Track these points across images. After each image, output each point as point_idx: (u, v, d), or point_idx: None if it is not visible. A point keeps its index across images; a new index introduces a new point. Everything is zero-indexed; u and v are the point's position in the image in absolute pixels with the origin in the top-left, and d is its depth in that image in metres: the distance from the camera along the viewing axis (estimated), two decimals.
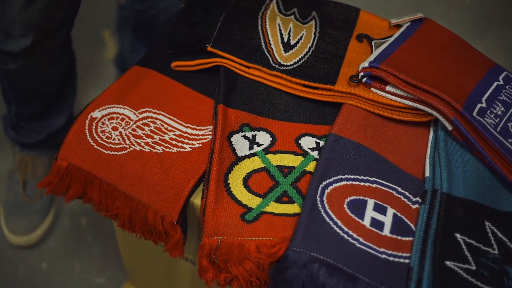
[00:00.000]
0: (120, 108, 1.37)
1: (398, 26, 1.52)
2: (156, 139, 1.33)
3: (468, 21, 2.97)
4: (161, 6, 2.12)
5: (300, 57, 1.44)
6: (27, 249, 2.12)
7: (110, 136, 1.33)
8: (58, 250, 2.13)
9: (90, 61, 2.58)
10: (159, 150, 1.31)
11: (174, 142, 1.33)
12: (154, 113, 1.37)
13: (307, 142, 1.34)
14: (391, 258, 1.17)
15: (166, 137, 1.33)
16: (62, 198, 1.37)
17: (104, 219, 1.50)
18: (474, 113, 1.30)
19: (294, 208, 1.24)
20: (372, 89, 1.36)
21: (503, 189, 1.29)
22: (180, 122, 1.36)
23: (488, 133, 1.29)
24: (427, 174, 1.28)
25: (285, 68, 1.42)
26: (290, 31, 1.49)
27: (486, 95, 1.36)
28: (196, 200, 1.28)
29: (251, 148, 1.32)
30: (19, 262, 2.09)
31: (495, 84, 1.40)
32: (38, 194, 2.09)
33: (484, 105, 1.34)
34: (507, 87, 1.40)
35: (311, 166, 1.30)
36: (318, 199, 1.20)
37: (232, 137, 1.32)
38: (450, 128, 1.30)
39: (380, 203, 1.23)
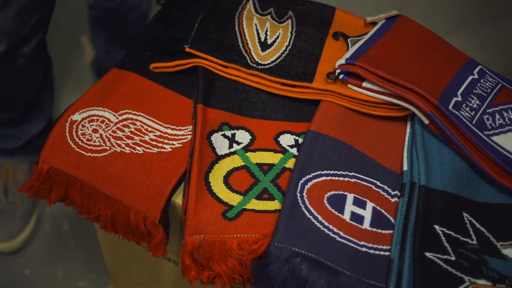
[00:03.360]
0: (100, 110, 1.38)
1: (374, 23, 1.54)
2: (136, 140, 1.34)
3: (443, 17, 2.99)
4: (131, 3, 2.12)
5: (277, 56, 1.46)
6: (10, 255, 2.11)
7: (90, 138, 1.34)
8: (41, 255, 2.12)
9: (67, 66, 2.58)
10: (139, 151, 1.32)
11: (154, 143, 1.33)
12: (134, 114, 1.38)
13: (286, 140, 1.36)
14: (372, 251, 1.18)
15: (146, 138, 1.34)
16: (44, 203, 1.37)
17: (86, 222, 1.50)
18: (450, 107, 1.32)
19: (274, 205, 1.25)
20: (349, 85, 1.37)
21: (480, 181, 1.30)
22: (160, 123, 1.37)
23: (464, 126, 1.30)
24: (405, 167, 1.30)
25: (262, 67, 1.43)
26: (267, 30, 1.51)
27: (461, 89, 1.38)
28: (178, 199, 1.29)
29: (230, 146, 1.33)
30: (1, 268, 2.09)
31: (470, 78, 1.42)
32: (19, 200, 2.08)
33: (459, 98, 1.35)
34: (481, 80, 1.42)
35: (290, 163, 1.31)
36: (298, 195, 1.21)
37: (211, 136, 1.33)
38: (426, 122, 1.32)
39: (359, 197, 1.25)
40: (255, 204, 1.25)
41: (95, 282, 2.07)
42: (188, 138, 1.35)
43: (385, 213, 1.24)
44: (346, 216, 1.21)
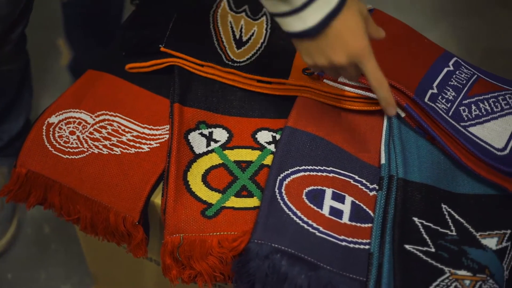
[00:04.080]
0: (77, 112, 1.38)
1: None
2: (113, 141, 1.33)
3: (420, 11, 3.00)
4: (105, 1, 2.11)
5: (252, 53, 1.46)
6: None
7: (68, 140, 1.33)
8: (23, 260, 2.11)
9: (44, 68, 2.57)
10: (117, 151, 1.32)
11: (132, 143, 1.33)
12: (111, 115, 1.37)
13: (264, 136, 1.36)
14: (352, 245, 1.19)
15: (124, 139, 1.34)
16: (24, 207, 1.36)
17: (67, 225, 1.50)
18: (426, 99, 1.33)
19: (253, 202, 1.25)
20: (325, 80, 1.38)
21: (457, 172, 1.31)
22: (137, 123, 1.37)
23: (440, 118, 1.31)
24: (383, 161, 1.30)
25: (238, 64, 1.43)
26: (241, 28, 1.51)
27: (437, 81, 1.39)
28: (157, 199, 1.29)
29: (208, 145, 1.33)
30: None
31: (445, 70, 1.42)
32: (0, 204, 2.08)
33: (435, 91, 1.36)
34: (457, 72, 1.43)
35: (268, 160, 1.31)
36: (277, 191, 1.22)
37: (189, 135, 1.33)
38: (403, 114, 1.33)
39: (338, 192, 1.25)
40: (234, 202, 1.25)
41: (77, 285, 2.07)
42: (165, 137, 1.34)
43: (364, 207, 1.25)
44: (325, 211, 1.21)
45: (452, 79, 1.40)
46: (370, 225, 1.22)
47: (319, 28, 1.09)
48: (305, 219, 1.19)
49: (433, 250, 1.18)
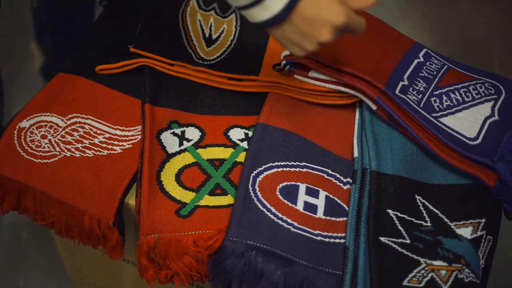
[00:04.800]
0: (48, 116, 1.37)
1: None
2: (86, 143, 1.33)
3: (392, 3, 3.00)
4: (76, 5, 2.10)
5: (222, 50, 1.46)
6: None
7: (39, 144, 1.33)
8: (1, 265, 2.10)
9: (16, 73, 2.56)
10: (89, 154, 1.31)
11: (104, 145, 1.33)
12: (82, 118, 1.37)
13: (236, 134, 1.36)
14: (327, 239, 1.19)
15: (96, 141, 1.33)
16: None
17: (45, 229, 1.49)
18: (397, 91, 1.33)
19: (227, 200, 1.25)
20: (295, 76, 1.38)
21: (430, 163, 1.31)
22: (108, 124, 1.36)
23: (412, 109, 1.31)
24: (356, 154, 1.31)
25: (208, 62, 1.43)
26: (211, 26, 1.51)
27: (407, 73, 1.39)
28: (131, 200, 1.28)
29: (181, 144, 1.33)
30: None
31: (415, 61, 1.43)
32: None
33: (406, 82, 1.36)
34: (427, 63, 1.43)
35: (241, 157, 1.31)
36: (251, 188, 1.22)
37: (161, 135, 1.33)
38: (374, 107, 1.33)
39: (311, 186, 1.25)
40: (208, 200, 1.25)
41: None
42: (137, 138, 1.34)
43: (338, 201, 1.25)
44: (300, 206, 1.22)
45: (422, 71, 1.41)
46: (344, 219, 1.23)
47: (287, 11, 1.07)
48: (280, 215, 1.19)
49: (408, 241, 1.19)
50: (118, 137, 1.34)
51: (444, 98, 1.37)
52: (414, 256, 1.17)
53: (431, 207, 1.25)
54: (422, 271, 1.16)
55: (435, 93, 1.37)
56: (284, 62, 1.38)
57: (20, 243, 2.16)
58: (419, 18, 2.95)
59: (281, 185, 1.24)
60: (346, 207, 1.24)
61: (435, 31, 2.90)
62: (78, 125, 1.36)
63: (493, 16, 3.01)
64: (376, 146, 1.30)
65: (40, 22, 2.22)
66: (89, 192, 1.27)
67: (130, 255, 1.45)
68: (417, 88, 1.36)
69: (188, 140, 1.33)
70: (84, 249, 1.39)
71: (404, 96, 1.33)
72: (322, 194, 1.25)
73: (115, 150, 1.32)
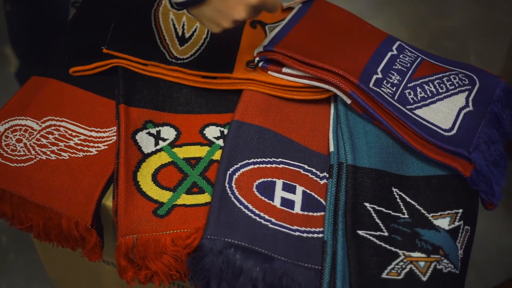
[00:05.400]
0: (22, 119, 1.36)
1: (290, 8, 1.54)
2: (61, 146, 1.32)
3: None
4: (51, 3, 2.09)
5: (196, 49, 1.46)
6: None
7: (15, 148, 1.32)
8: None
9: None
10: (65, 156, 1.31)
11: (79, 147, 1.32)
12: (57, 120, 1.36)
13: (212, 132, 1.36)
14: (305, 235, 1.19)
15: (71, 143, 1.33)
16: None
17: (25, 233, 1.49)
18: (371, 85, 1.33)
19: (205, 198, 1.25)
20: (269, 72, 1.38)
21: (406, 155, 1.32)
22: (83, 126, 1.36)
23: (386, 102, 1.32)
24: (332, 148, 1.31)
25: (182, 61, 1.43)
26: (184, 25, 1.50)
27: (381, 66, 1.39)
28: (108, 202, 1.28)
29: (156, 144, 1.33)
30: None
31: (389, 54, 1.43)
32: None
33: (380, 75, 1.37)
34: (401, 56, 1.44)
35: (217, 155, 1.31)
36: (227, 185, 1.22)
37: (136, 135, 1.32)
38: (349, 101, 1.33)
39: (288, 182, 1.25)
40: (185, 199, 1.25)
41: None
42: (113, 139, 1.34)
43: (316, 196, 1.25)
44: (277, 202, 1.22)
45: (396, 63, 1.41)
46: (322, 213, 1.23)
47: None
48: (257, 211, 1.19)
49: (386, 234, 1.19)
50: (94, 139, 1.34)
51: (418, 90, 1.37)
52: (393, 249, 1.18)
53: (408, 199, 1.25)
54: (401, 263, 1.16)
55: (409, 85, 1.38)
56: (257, 58, 1.38)
57: (1, 248, 2.15)
58: (393, 11, 2.96)
59: (257, 181, 1.24)
60: (323, 202, 1.24)
61: (410, 23, 2.91)
62: (53, 128, 1.35)
63: (467, 9, 3.02)
64: (352, 140, 1.30)
65: (14, 25, 2.21)
66: (66, 194, 1.26)
67: (110, 256, 1.44)
68: (391, 81, 1.37)
69: (164, 140, 1.33)
70: (65, 252, 1.39)
71: (378, 89, 1.33)
72: (299, 189, 1.25)
73: (90, 151, 1.32)
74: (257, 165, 1.26)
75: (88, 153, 1.32)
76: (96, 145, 1.33)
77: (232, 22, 1.21)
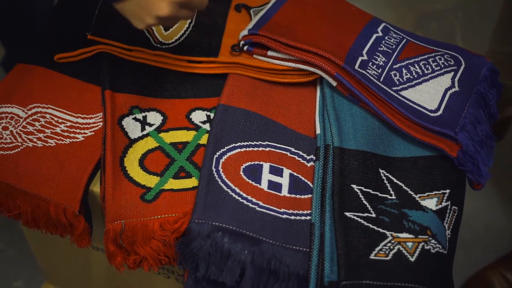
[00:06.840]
0: (8, 107, 1.36)
1: None
2: (47, 133, 1.32)
3: None
4: None
5: (181, 34, 1.45)
6: None
7: (1, 136, 1.32)
8: None
9: None
10: (52, 143, 1.31)
11: (66, 134, 1.32)
12: (43, 107, 1.36)
13: (198, 116, 1.36)
14: (293, 217, 1.19)
15: (58, 130, 1.33)
16: None
17: (14, 222, 1.49)
18: (356, 66, 1.33)
19: (192, 182, 1.25)
20: (254, 56, 1.38)
21: (393, 136, 1.32)
22: (69, 113, 1.35)
23: (372, 84, 1.32)
24: (318, 131, 1.31)
25: (167, 46, 1.43)
26: None
27: (366, 47, 1.40)
28: (96, 188, 1.28)
29: (143, 129, 1.32)
30: None
31: (374, 36, 1.43)
32: None
33: (365, 57, 1.37)
34: (386, 37, 1.44)
35: (204, 139, 1.31)
36: (214, 169, 1.22)
37: (123, 121, 1.32)
38: (334, 84, 1.33)
39: (275, 165, 1.26)
40: (172, 184, 1.25)
41: (30, 280, 2.06)
42: (99, 125, 1.34)
43: (303, 178, 1.25)
44: (264, 185, 1.22)
45: (381, 45, 1.41)
46: (309, 196, 1.23)
47: None
48: (244, 195, 1.19)
49: (373, 215, 1.19)
50: (80, 125, 1.34)
51: (404, 71, 1.37)
52: (380, 230, 1.18)
53: (395, 180, 1.26)
54: (389, 244, 1.16)
55: (394, 66, 1.38)
56: (242, 42, 1.38)
57: None
58: None
59: (244, 165, 1.24)
60: (310, 184, 1.25)
61: (396, 5, 2.91)
62: (39, 115, 1.35)
63: None
64: (338, 122, 1.30)
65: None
66: (53, 181, 1.26)
67: (99, 242, 1.44)
68: (377, 62, 1.37)
69: (150, 125, 1.33)
70: (54, 239, 1.39)
71: (363, 71, 1.33)
72: (286, 172, 1.25)
73: (77, 138, 1.32)
74: (244, 149, 1.26)
75: (74, 140, 1.32)
76: (82, 131, 1.33)
77: (156, 19, 1.19)
